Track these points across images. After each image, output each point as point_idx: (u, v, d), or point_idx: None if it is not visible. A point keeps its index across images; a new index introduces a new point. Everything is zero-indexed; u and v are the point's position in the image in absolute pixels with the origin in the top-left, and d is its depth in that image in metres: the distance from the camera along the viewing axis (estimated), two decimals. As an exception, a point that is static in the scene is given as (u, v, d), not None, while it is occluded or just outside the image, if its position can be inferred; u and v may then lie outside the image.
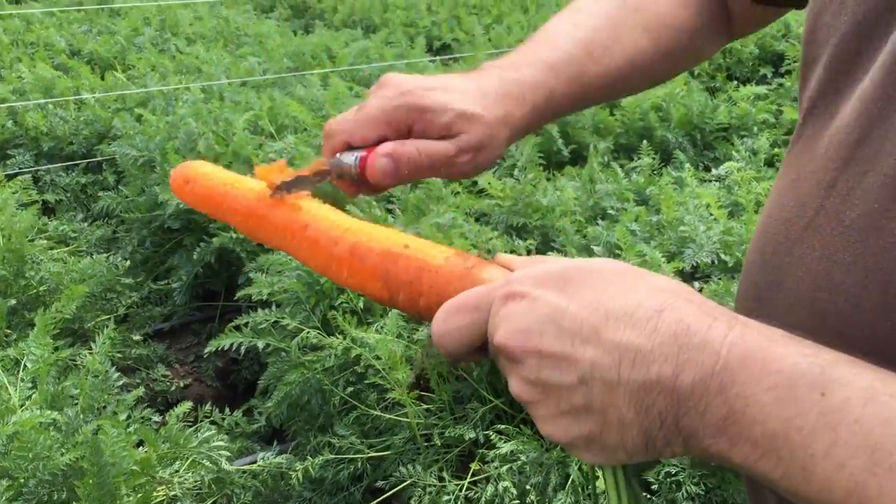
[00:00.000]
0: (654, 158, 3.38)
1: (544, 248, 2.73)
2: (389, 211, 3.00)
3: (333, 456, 2.22)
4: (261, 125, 3.86)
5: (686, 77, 4.57)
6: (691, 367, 0.48)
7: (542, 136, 3.63)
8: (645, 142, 3.49)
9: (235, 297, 2.76)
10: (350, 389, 2.28)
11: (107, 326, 2.45)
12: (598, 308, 0.51)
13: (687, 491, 1.83)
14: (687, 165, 3.26)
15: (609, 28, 0.88)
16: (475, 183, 3.09)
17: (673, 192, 2.81)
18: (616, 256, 2.51)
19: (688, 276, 2.46)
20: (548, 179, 3.17)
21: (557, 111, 0.86)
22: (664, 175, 3.23)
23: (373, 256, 0.67)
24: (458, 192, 2.94)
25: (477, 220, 2.85)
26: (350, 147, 0.79)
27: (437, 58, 5.81)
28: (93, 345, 2.38)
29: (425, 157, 0.77)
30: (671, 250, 2.53)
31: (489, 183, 2.93)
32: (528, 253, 2.65)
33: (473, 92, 0.80)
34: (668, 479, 1.87)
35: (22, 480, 1.71)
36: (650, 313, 0.50)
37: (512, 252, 2.65)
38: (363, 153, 0.77)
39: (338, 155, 0.79)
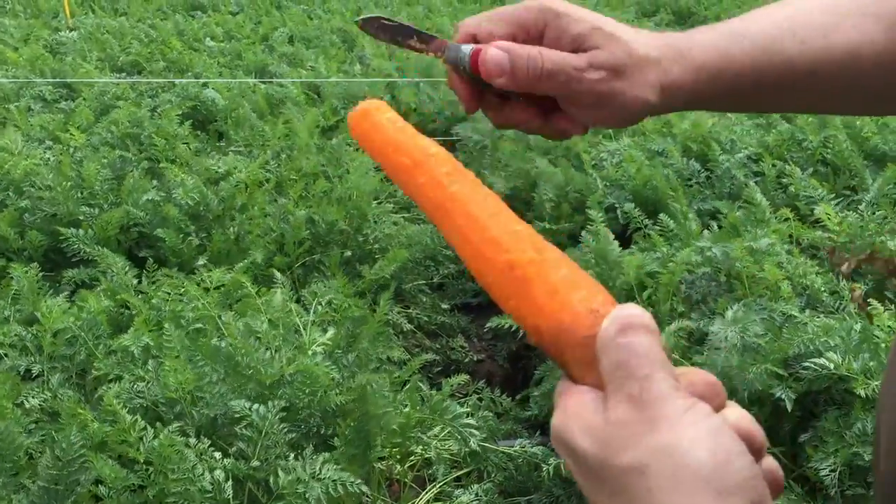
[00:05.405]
0: None
1: (877, 296, 2.39)
2: (707, 227, 2.84)
3: (588, 462, 2.18)
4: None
5: None
6: None
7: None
8: None
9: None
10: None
11: (387, 289, 2.62)
12: None
13: None
14: None
15: (828, 7, 0.72)
16: (811, 211, 2.80)
17: None
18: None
19: None
20: (902, 221, 2.76)
21: (740, 83, 0.72)
22: None
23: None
24: (788, 219, 2.68)
25: (802, 251, 2.59)
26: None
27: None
28: (393, 305, 2.60)
29: (548, 61, 0.68)
30: None
31: (826, 213, 2.64)
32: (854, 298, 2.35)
33: (625, 27, 0.71)
34: None
35: (298, 408, 1.92)
36: None
37: (834, 293, 2.36)
38: (481, 46, 0.71)
39: (461, 46, 0.73)
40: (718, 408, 0.47)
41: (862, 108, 0.89)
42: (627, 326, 0.47)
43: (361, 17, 0.75)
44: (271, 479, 1.71)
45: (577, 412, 0.48)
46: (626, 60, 0.69)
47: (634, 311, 0.48)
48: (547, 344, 0.53)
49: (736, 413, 0.47)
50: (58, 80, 4.88)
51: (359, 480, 1.73)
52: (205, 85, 4.53)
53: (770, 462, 0.48)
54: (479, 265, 0.59)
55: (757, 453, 0.46)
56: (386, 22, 0.74)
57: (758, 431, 0.47)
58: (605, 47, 0.69)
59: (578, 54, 0.70)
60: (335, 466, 1.73)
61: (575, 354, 0.51)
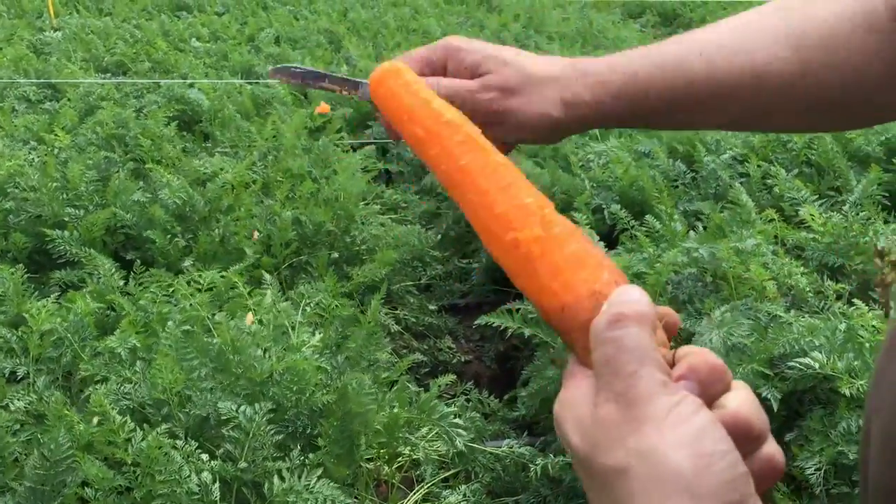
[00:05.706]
0: None
1: (860, 295, 2.41)
2: (693, 228, 2.86)
3: (576, 462, 2.19)
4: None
5: None
6: None
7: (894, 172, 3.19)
8: None
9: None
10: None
11: (378, 289, 2.62)
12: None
13: None
14: None
15: (741, 28, 0.76)
16: (796, 212, 2.82)
17: None
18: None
19: None
20: (885, 222, 2.78)
21: (645, 100, 0.77)
22: None
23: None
24: (773, 219, 2.70)
25: (787, 251, 2.61)
26: None
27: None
28: (381, 306, 2.59)
29: (443, 87, 0.77)
30: None
31: (811, 214, 2.66)
32: (839, 298, 2.37)
33: (527, 55, 0.80)
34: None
35: (286, 408, 1.92)
36: None
37: (819, 293, 2.38)
38: None
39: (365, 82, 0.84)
40: (722, 392, 0.47)
41: (770, 127, 0.92)
42: (618, 318, 0.46)
43: (272, 67, 0.87)
44: (265, 486, 1.71)
45: (571, 402, 0.48)
46: (519, 80, 0.78)
47: (630, 298, 0.48)
48: (553, 323, 0.52)
49: (738, 399, 0.47)
50: (42, 80, 4.85)
51: (349, 502, 1.73)
52: (190, 86, 4.51)
53: (770, 448, 0.48)
54: (488, 241, 0.59)
55: (756, 440, 0.46)
56: (295, 69, 0.86)
57: (757, 418, 0.46)
58: (497, 72, 0.79)
59: (474, 79, 0.79)
60: (330, 483, 1.73)
61: (578, 338, 0.50)
